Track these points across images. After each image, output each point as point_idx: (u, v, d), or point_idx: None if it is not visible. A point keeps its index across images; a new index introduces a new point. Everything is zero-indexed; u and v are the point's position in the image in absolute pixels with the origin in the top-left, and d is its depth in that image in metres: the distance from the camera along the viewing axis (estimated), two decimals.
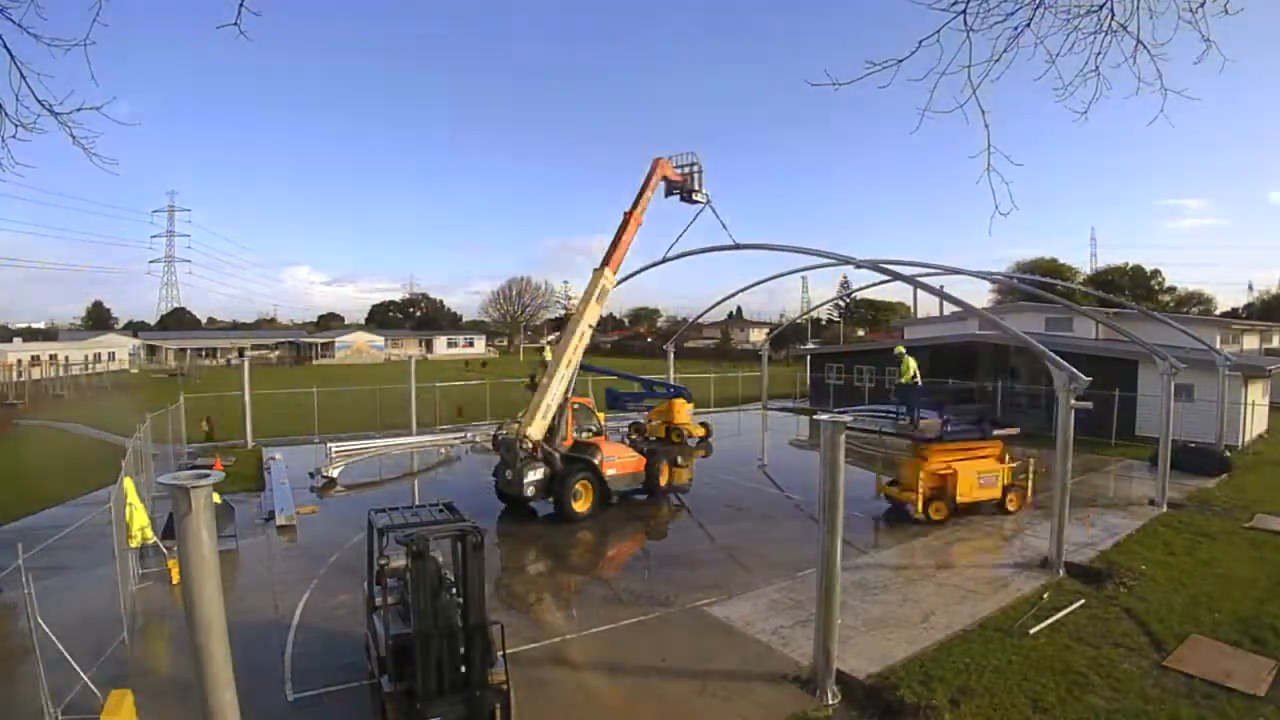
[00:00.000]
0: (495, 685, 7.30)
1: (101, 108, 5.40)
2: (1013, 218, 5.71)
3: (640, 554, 14.95)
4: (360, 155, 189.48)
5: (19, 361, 55.87)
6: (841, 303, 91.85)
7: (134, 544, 11.90)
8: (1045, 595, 11.64)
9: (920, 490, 15.75)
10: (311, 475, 20.01)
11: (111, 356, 68.58)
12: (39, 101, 5.28)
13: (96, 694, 7.82)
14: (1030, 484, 17.29)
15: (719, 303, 48.22)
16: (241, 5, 4.77)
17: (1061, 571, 12.66)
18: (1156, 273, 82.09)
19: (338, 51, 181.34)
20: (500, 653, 7.41)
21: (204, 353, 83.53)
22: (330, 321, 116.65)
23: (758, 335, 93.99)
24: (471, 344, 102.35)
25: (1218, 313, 74.47)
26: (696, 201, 20.82)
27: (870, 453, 25.11)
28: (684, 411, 27.48)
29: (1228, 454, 22.18)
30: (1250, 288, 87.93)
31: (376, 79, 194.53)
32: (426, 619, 7.07)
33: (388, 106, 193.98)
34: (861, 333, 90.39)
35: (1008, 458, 16.92)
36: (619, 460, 17.49)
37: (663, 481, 18.49)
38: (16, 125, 5.44)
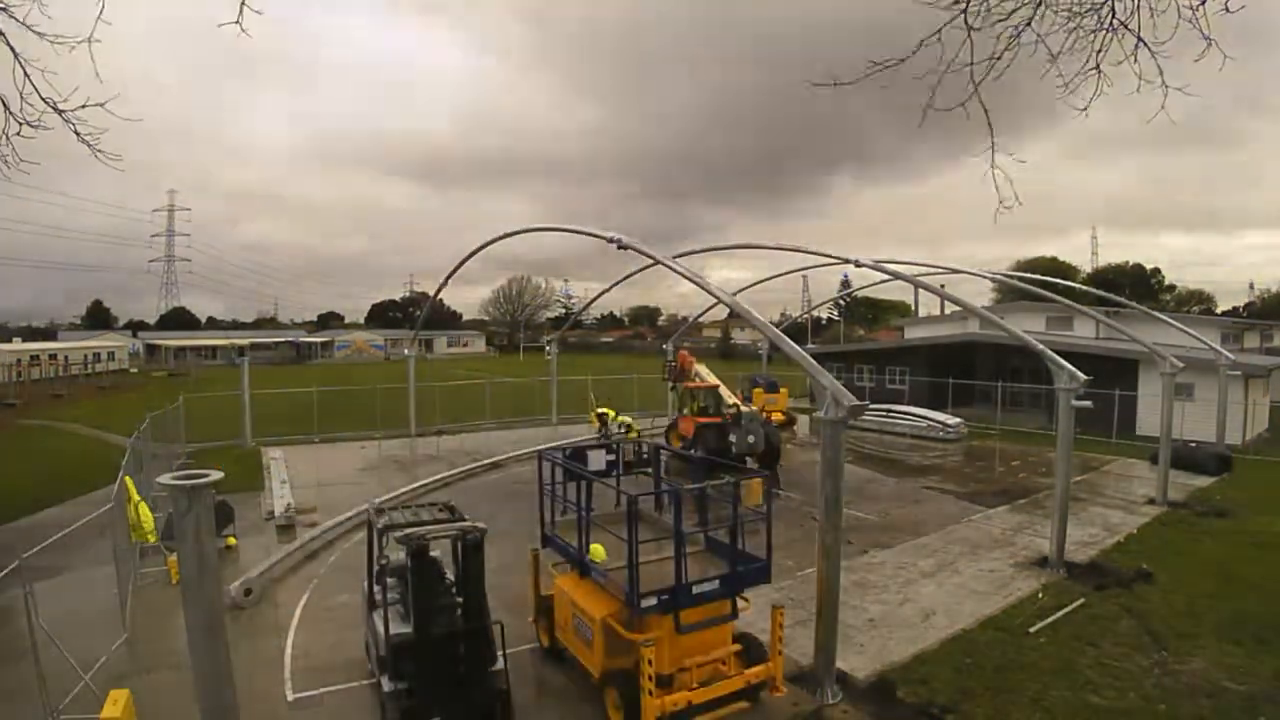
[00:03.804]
0: (495, 685, 7.30)
1: (106, 104, 5.38)
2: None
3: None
4: None
5: (19, 361, 55.72)
6: (842, 302, 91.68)
7: (149, 539, 11.96)
8: (1045, 595, 11.64)
9: None
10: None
11: (111, 356, 68.32)
12: (43, 99, 5.27)
13: (96, 694, 7.81)
14: None
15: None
16: (244, 4, 4.75)
17: (1062, 571, 12.65)
18: (1157, 271, 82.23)
19: None
20: (500, 652, 7.40)
21: (203, 352, 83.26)
22: (330, 321, 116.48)
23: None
24: (468, 344, 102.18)
25: (1218, 312, 74.53)
26: None
27: (870, 452, 25.12)
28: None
29: (1228, 453, 22.18)
30: (1251, 287, 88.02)
31: None
32: (426, 619, 7.06)
33: None
34: (861, 332, 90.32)
35: None
36: None
37: None
38: (21, 123, 5.43)
